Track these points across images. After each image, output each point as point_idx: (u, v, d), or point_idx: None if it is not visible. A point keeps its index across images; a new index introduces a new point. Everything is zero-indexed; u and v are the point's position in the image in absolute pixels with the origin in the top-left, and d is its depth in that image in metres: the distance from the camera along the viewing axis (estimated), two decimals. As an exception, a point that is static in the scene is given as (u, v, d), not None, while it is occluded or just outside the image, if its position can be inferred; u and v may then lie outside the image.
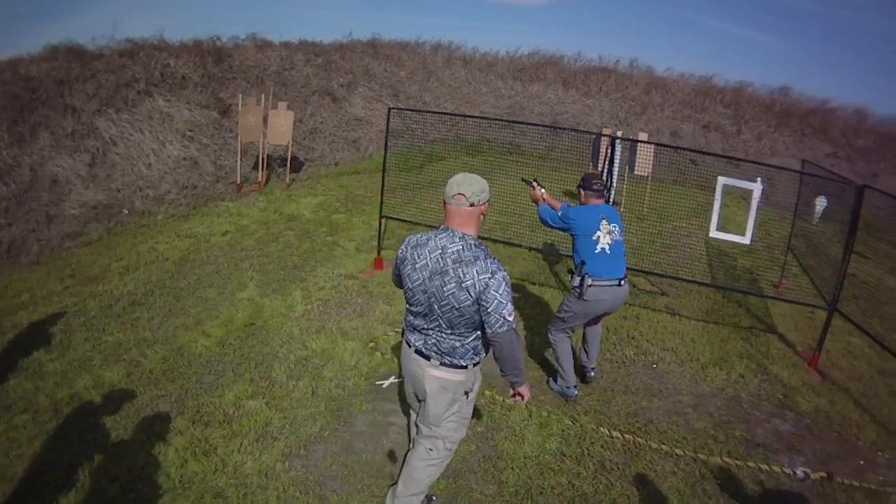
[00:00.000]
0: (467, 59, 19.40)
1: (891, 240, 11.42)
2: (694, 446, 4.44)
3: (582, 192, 4.68)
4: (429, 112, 11.15)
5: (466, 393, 3.16)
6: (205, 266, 7.07)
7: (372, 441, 4.15)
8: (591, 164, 10.18)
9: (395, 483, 3.43)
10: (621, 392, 5.11)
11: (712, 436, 4.61)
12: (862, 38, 35.90)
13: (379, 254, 7.32)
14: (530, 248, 7.63)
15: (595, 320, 4.89)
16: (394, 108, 7.49)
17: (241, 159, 10.59)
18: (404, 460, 3.45)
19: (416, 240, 3.03)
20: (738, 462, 4.33)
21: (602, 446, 4.34)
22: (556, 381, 5.00)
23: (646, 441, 4.44)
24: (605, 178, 7.04)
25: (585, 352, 5.06)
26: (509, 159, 11.63)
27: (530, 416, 4.59)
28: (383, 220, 7.36)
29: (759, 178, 6.27)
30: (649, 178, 10.59)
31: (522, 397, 3.20)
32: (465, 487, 3.77)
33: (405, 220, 7.84)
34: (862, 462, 4.50)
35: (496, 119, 13.56)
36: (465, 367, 3.05)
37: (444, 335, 2.99)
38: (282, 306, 6.07)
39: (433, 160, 12.47)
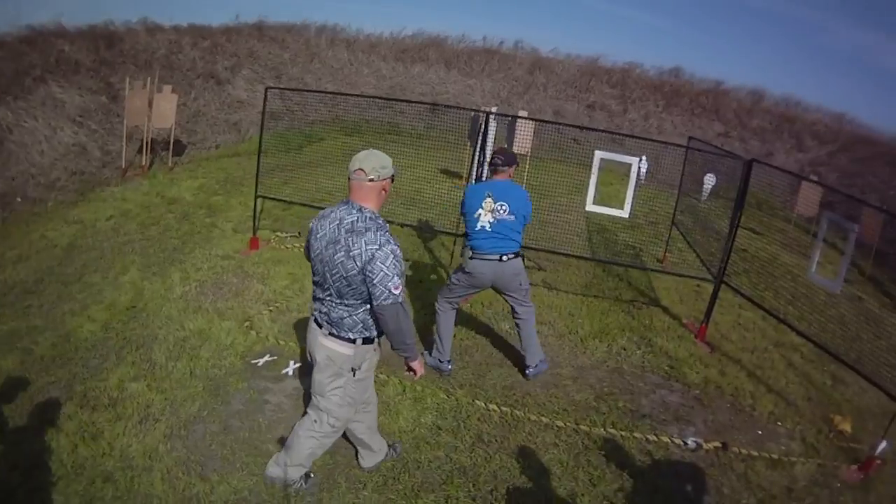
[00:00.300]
0: (351, 41, 18.43)
1: (785, 216, 11.15)
2: (575, 418, 4.28)
3: None
4: (308, 91, 10.90)
5: (353, 371, 3.04)
6: (90, 251, 6.92)
7: (248, 419, 4.05)
8: (469, 142, 9.91)
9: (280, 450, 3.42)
10: (497, 366, 4.95)
11: (594, 407, 4.44)
12: (762, 20, 36.06)
13: (255, 234, 7.20)
14: (403, 225, 7.34)
15: (514, 314, 4.64)
16: (272, 88, 7.25)
17: (126, 144, 10.15)
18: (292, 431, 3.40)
19: (324, 212, 2.99)
20: (623, 433, 4.13)
21: (479, 419, 4.19)
22: (430, 353, 4.78)
23: (524, 413, 4.26)
24: (477, 155, 6.54)
25: (525, 353, 4.75)
26: (388, 139, 11.42)
27: (404, 390, 4.42)
28: (259, 201, 7.25)
29: (643, 156, 6.37)
30: (528, 156, 10.17)
31: (415, 372, 3.11)
32: (341, 463, 3.66)
33: (281, 200, 7.78)
34: (760, 432, 4.35)
35: (375, 97, 13.29)
36: (354, 342, 2.96)
37: (334, 304, 2.92)
38: (161, 288, 5.95)
39: (312, 141, 12.30)
